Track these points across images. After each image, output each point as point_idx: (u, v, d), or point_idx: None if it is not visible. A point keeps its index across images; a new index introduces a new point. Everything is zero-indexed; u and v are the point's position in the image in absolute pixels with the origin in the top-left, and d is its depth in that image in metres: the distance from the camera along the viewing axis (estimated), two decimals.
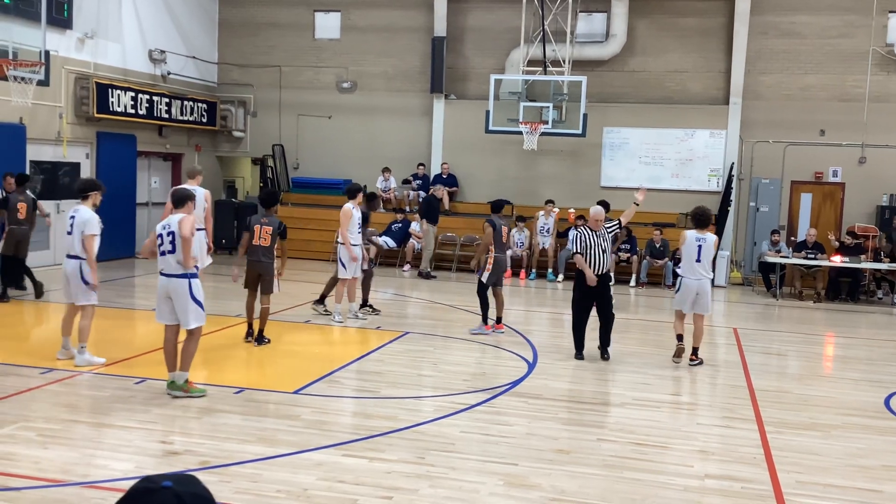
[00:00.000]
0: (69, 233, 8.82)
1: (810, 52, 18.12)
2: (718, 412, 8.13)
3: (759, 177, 18.49)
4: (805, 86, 18.20)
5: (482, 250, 11.34)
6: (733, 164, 18.28)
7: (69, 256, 8.87)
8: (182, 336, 7.81)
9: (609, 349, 10.04)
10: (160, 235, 7.71)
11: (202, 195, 11.16)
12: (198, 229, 10.13)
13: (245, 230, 10.29)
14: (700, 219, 10.05)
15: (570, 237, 10.60)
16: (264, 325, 10.08)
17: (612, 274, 10.56)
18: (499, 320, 11.40)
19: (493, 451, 6.52)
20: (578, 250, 9.96)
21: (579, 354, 9.98)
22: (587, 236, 9.92)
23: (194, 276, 7.71)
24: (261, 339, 10.04)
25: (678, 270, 10.53)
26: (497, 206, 11.76)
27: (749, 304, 15.54)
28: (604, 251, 9.89)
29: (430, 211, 17.54)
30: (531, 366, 9.51)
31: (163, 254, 7.67)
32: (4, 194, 12.95)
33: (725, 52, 18.57)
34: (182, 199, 7.91)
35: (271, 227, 10.03)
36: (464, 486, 5.77)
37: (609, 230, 10.06)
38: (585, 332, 10.09)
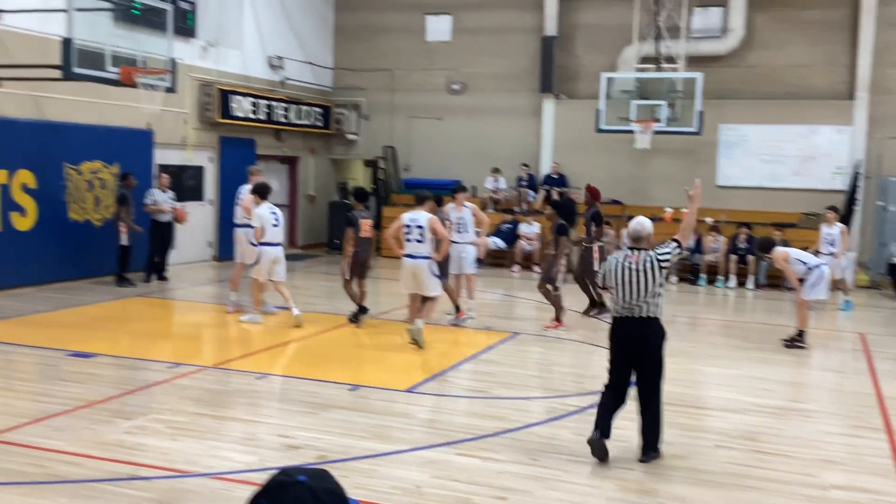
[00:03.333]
0: (275, 225, 11.06)
1: None
2: (845, 420, 7.78)
3: (888, 175, 17.57)
4: None
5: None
6: (859, 161, 17.44)
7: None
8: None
9: (657, 451, 6.38)
10: (407, 226, 10.13)
11: (244, 191, 12.11)
12: (241, 225, 11.98)
13: (349, 226, 11.20)
14: (764, 246, 11.57)
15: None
16: (364, 299, 11.53)
17: (661, 322, 6.44)
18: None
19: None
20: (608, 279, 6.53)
21: (595, 434, 6.25)
22: (619, 257, 6.47)
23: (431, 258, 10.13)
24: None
25: (813, 262, 11.06)
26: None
27: (877, 309, 14.79)
28: (639, 282, 6.27)
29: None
30: None
31: (409, 240, 10.14)
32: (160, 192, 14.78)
33: (850, 45, 17.73)
34: (423, 199, 10.47)
35: (370, 220, 11.40)
36: (577, 490, 5.72)
37: (661, 256, 6.29)
38: (613, 406, 6.42)
